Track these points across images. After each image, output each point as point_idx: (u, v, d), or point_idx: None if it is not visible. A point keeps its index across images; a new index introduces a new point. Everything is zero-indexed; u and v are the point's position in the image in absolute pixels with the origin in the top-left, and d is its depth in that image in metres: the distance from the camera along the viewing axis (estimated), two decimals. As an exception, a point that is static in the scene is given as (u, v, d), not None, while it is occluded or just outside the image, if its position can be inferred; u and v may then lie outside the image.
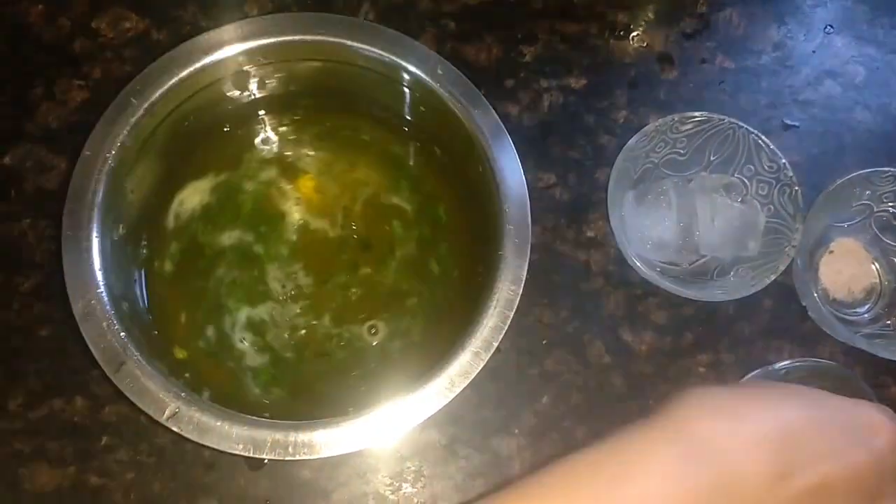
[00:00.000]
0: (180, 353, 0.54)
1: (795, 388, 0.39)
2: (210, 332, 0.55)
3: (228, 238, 0.57)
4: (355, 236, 0.58)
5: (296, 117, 0.60)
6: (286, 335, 0.56)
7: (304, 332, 0.56)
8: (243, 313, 0.56)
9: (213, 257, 0.57)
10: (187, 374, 0.52)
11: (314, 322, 0.56)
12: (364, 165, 0.60)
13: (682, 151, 0.61)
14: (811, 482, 0.31)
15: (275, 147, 0.60)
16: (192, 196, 0.58)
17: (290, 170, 0.59)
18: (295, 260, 0.57)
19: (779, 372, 0.55)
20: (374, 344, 0.56)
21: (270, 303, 0.56)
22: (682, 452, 0.32)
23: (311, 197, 0.59)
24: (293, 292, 0.56)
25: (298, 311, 0.56)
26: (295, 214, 0.58)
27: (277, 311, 0.56)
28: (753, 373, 0.56)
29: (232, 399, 0.51)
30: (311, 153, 0.60)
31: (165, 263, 0.56)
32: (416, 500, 0.55)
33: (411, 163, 0.60)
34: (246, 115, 0.60)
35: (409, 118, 0.60)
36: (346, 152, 0.60)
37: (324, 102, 0.60)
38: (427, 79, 0.54)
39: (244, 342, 0.55)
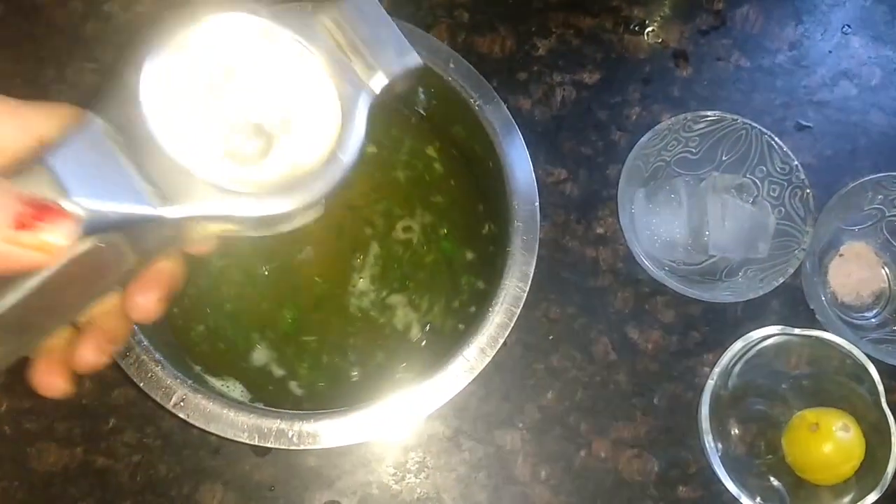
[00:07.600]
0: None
1: None
2: (218, 313, 0.55)
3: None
4: (364, 229, 0.58)
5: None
6: (295, 330, 0.56)
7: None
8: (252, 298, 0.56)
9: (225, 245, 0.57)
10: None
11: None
12: (375, 159, 0.60)
13: (694, 150, 0.61)
14: None
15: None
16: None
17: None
18: (303, 262, 0.57)
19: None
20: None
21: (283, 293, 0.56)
22: None
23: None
24: (297, 292, 0.57)
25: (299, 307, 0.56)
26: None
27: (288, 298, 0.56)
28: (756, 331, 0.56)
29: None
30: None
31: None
32: (419, 491, 0.55)
33: (425, 155, 0.60)
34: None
35: (421, 111, 0.59)
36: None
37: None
38: (439, 72, 0.54)
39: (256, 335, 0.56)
